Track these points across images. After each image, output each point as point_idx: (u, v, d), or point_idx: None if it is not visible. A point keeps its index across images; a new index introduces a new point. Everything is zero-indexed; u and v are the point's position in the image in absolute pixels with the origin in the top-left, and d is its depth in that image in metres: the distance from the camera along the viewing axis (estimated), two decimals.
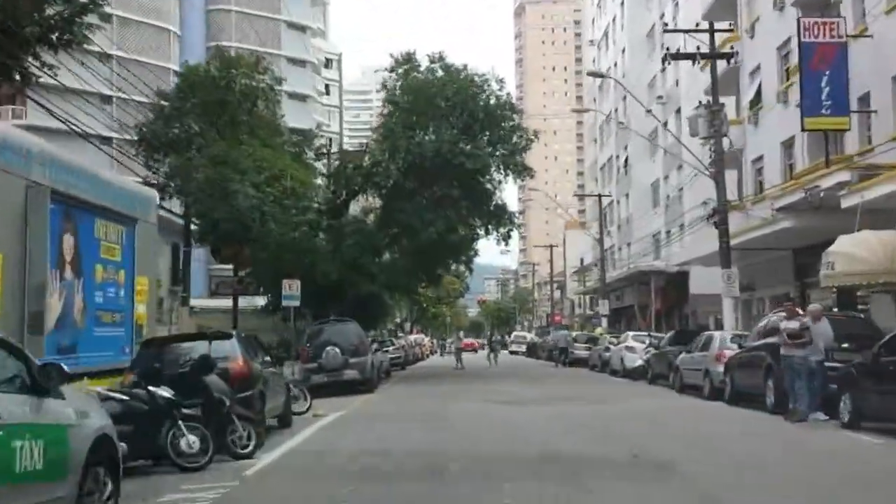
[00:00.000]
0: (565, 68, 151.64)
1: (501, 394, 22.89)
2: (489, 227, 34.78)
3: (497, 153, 33.01)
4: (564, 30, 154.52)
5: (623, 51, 55.40)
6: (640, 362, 29.46)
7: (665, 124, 51.10)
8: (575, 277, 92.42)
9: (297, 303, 28.79)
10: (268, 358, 14.68)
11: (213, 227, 29.44)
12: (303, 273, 30.25)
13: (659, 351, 27.05)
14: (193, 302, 54.48)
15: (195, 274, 43.80)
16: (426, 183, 32.96)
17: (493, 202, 35.33)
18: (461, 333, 48.42)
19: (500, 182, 35.24)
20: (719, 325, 41.72)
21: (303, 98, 73.42)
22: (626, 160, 57.13)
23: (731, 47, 32.46)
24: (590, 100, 73.47)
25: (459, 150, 30.00)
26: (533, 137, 33.34)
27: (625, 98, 57.83)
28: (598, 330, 49.68)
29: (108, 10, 24.63)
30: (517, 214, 35.63)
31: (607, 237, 62.73)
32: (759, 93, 34.63)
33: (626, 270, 54.04)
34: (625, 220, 57.31)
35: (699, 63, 31.92)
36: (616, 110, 59.99)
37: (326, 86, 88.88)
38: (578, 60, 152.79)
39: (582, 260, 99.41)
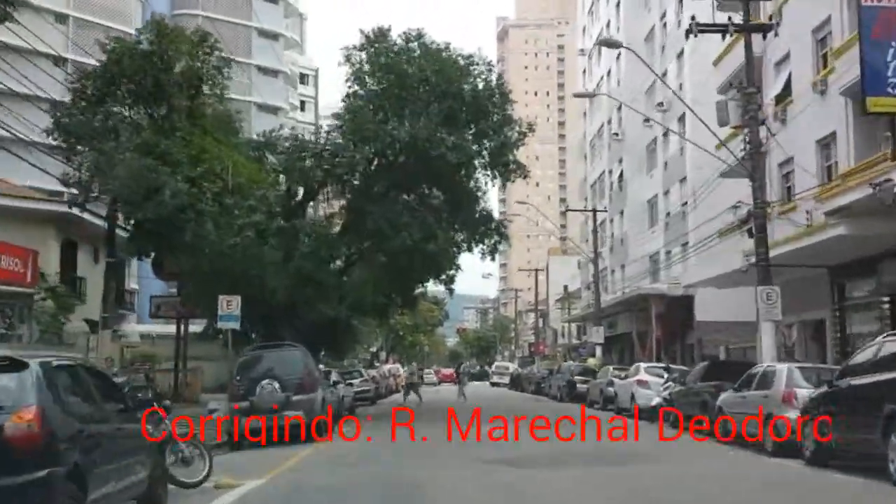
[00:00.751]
0: (548, 93, 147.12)
1: (495, 446, 17.09)
2: (474, 238, 29.05)
3: (484, 148, 27.37)
4: (547, 55, 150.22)
5: (618, 57, 50.19)
6: (657, 400, 23.73)
7: (666, 133, 45.88)
8: (558, 306, 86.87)
9: (235, 324, 22.91)
10: (121, 405, 8.68)
11: (136, 231, 23.57)
12: (250, 289, 24.41)
13: (686, 388, 21.31)
14: (141, 327, 48.42)
15: (149, 293, 37.72)
16: (400, 182, 27.32)
17: (479, 209, 29.71)
18: (415, 365, 42.83)
19: (487, 184, 29.68)
20: (733, 357, 36.25)
21: (274, 110, 67.79)
22: (621, 175, 51.74)
23: (771, 18, 26.95)
24: (578, 115, 68.25)
25: (440, 140, 24.33)
26: (527, 130, 27.79)
27: (619, 108, 52.56)
28: (592, 361, 43.93)
29: None
30: (505, 224, 29.90)
31: (601, 259, 57.18)
32: (787, 86, 29.27)
33: (620, 295, 48.40)
34: (618, 240, 51.82)
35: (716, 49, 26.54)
36: (609, 122, 54.70)
37: (302, 102, 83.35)
38: (561, 86, 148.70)
39: (566, 287, 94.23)
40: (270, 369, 17.64)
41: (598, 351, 44.54)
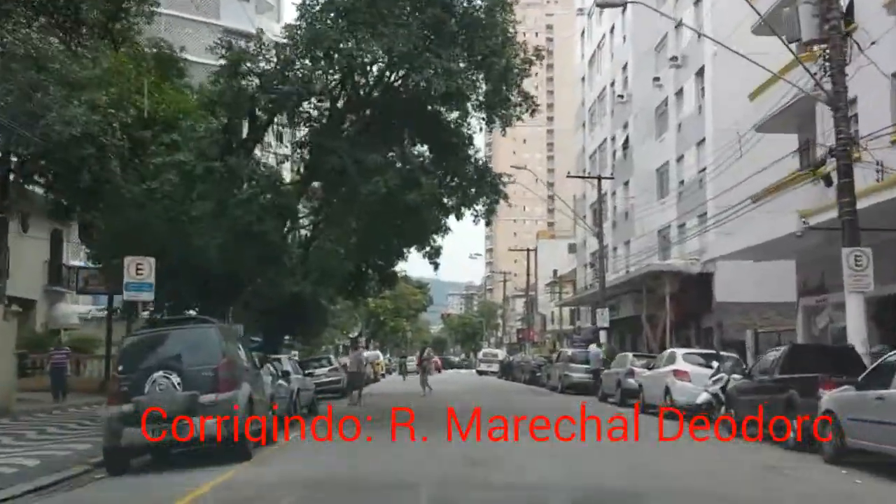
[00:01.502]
0: (536, 73, 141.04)
1: (498, 465, 11.19)
2: (465, 196, 23.02)
3: (479, 81, 21.33)
4: (536, 34, 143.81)
5: (624, 9, 44.25)
6: (705, 397, 17.88)
7: (680, 92, 40.05)
8: (548, 290, 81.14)
9: (148, 295, 16.87)
10: None
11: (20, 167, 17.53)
12: (184, 254, 18.41)
13: (756, 380, 15.46)
14: (84, 308, 42.17)
15: None
16: (371, 126, 21.30)
17: (472, 162, 23.70)
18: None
19: (481, 130, 23.69)
20: (764, 343, 30.55)
21: None
22: (626, 142, 45.82)
23: None
24: (574, 81, 62.28)
25: (424, 61, 18.25)
26: (534, 58, 21.80)
27: (624, 67, 46.67)
28: (599, 346, 38.03)
29: None
30: (503, 180, 23.92)
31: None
32: (849, 10, 23.51)
33: (626, 274, 42.61)
34: (622, 214, 45.94)
35: None
36: (612, 84, 48.77)
37: None
38: (550, 66, 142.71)
39: (555, 272, 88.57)
40: (169, 356, 11.60)
41: (603, 336, 38.71)
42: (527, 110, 22.27)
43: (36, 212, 27.52)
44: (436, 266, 32.26)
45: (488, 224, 25.79)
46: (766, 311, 33.82)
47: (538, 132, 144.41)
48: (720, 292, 35.12)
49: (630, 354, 25.46)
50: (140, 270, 16.65)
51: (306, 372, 23.21)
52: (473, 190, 23.58)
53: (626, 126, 46.13)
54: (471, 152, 23.12)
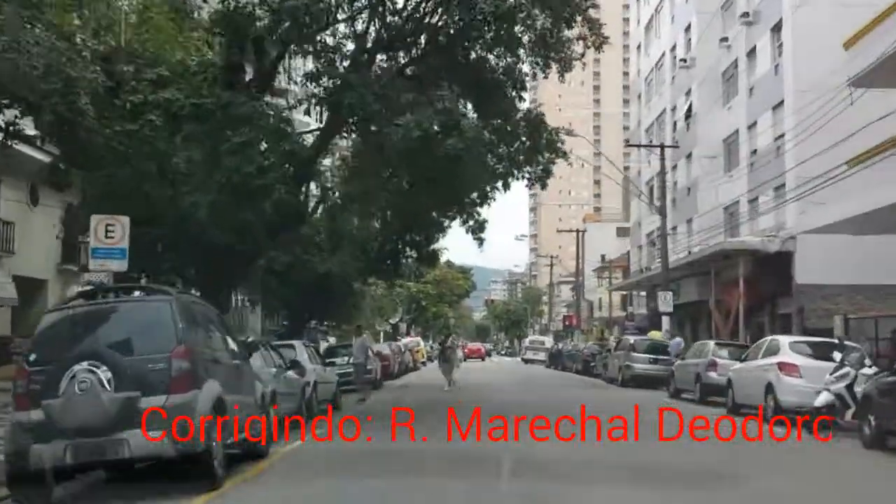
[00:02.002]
0: (582, 54, 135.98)
1: None
2: (516, 152, 19.12)
3: (534, 17, 17.37)
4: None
5: None
6: (825, 397, 13.82)
7: (753, 51, 35.58)
8: (595, 275, 76.76)
9: (120, 264, 13.25)
10: None
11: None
12: (174, 217, 14.80)
13: None
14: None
15: None
16: (401, 65, 17.51)
17: (524, 115, 19.80)
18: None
19: (534, 75, 19.75)
20: (856, 332, 26.19)
21: None
22: (689, 111, 41.36)
23: None
24: (618, 63, 57.79)
25: None
26: None
27: (687, 29, 42.23)
28: (656, 334, 33.94)
29: None
30: (562, 136, 19.99)
31: (656, 216, 47.04)
32: None
33: (688, 255, 38.32)
34: (683, 190, 41.52)
35: None
36: (673, 49, 44.32)
37: None
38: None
39: (603, 256, 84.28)
40: (99, 342, 7.93)
41: (666, 322, 34.48)
42: (593, 44, 18.23)
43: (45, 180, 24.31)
44: (480, 242, 28.41)
45: (544, 187, 21.89)
46: (858, 296, 29.45)
47: (583, 115, 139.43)
48: (802, 273, 30.76)
49: (711, 343, 21.33)
50: (111, 233, 13.02)
51: (328, 360, 19.51)
52: (526, 142, 19.66)
53: (688, 94, 41.70)
54: (522, 104, 19.21)
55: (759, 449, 12.94)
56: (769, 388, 15.57)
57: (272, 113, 13.95)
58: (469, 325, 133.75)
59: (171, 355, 8.00)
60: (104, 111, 13.63)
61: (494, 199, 24.44)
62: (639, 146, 44.42)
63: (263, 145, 14.15)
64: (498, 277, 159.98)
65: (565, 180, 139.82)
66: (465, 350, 69.99)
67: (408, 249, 29.65)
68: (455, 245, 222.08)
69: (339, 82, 14.86)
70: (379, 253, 28.90)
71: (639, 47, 51.73)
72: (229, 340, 9.94)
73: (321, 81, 15.35)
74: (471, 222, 27.92)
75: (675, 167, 42.57)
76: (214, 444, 8.26)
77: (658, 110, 46.13)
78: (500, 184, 20.79)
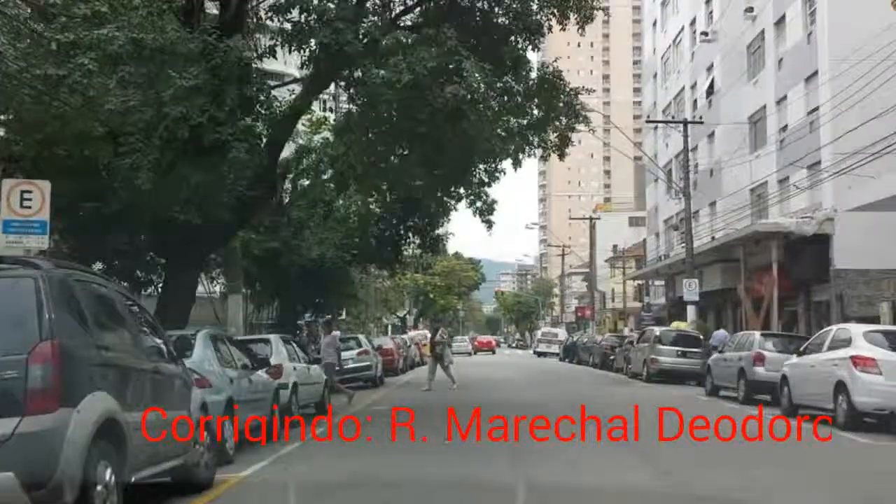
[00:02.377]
0: (591, 44, 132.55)
1: None
2: (530, 112, 16.31)
3: None
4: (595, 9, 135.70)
5: None
6: None
7: (782, 20, 32.62)
8: (607, 265, 73.82)
9: (38, 240, 10.53)
10: None
11: None
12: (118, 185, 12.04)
13: None
14: None
15: None
16: (395, 16, 14.69)
17: (536, 73, 16.98)
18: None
19: (548, 27, 16.86)
20: None
21: None
22: (711, 87, 38.40)
23: None
24: (628, 49, 54.81)
25: None
26: None
27: (708, 1, 39.27)
28: (680, 324, 31.04)
29: None
30: (581, 98, 17.16)
31: (675, 200, 44.14)
32: None
33: (713, 240, 35.43)
34: (705, 172, 38.56)
35: None
36: (692, 23, 41.36)
37: None
38: (606, 37, 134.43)
39: (615, 246, 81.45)
40: None
41: (692, 312, 31.55)
42: None
43: None
44: (489, 225, 25.64)
45: (562, 157, 19.06)
46: None
47: (593, 103, 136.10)
48: (841, 257, 27.86)
49: (756, 333, 18.42)
50: (27, 201, 10.30)
51: (317, 357, 16.76)
52: (540, 105, 16.83)
53: (710, 69, 38.74)
54: (536, 54, 16.37)
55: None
56: (840, 387, 12.75)
57: (230, 47, 11.07)
58: (479, 318, 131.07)
59: (29, 357, 5.24)
60: (27, 53, 10.90)
61: (504, 173, 21.56)
62: (660, 121, 41.18)
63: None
64: (507, 270, 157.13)
65: (574, 171, 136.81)
66: (476, 343, 67.18)
67: (410, 235, 26.96)
68: (463, 239, 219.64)
69: (312, 15, 12.03)
70: (379, 238, 26.21)
71: (654, 24, 48.72)
72: (148, 335, 7.18)
73: (290, 15, 12.49)
74: (478, 203, 25.15)
75: (695, 148, 39.58)
76: (100, 487, 5.50)
77: (676, 89, 43.17)
78: (510, 155, 17.98)
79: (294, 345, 14.70)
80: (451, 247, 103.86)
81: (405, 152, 15.71)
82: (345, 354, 22.45)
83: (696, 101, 40.57)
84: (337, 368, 18.12)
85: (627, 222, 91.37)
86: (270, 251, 22.30)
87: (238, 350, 11.12)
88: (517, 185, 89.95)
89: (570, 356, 44.40)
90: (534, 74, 16.71)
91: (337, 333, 21.26)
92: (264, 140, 12.88)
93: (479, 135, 13.71)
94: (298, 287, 23.31)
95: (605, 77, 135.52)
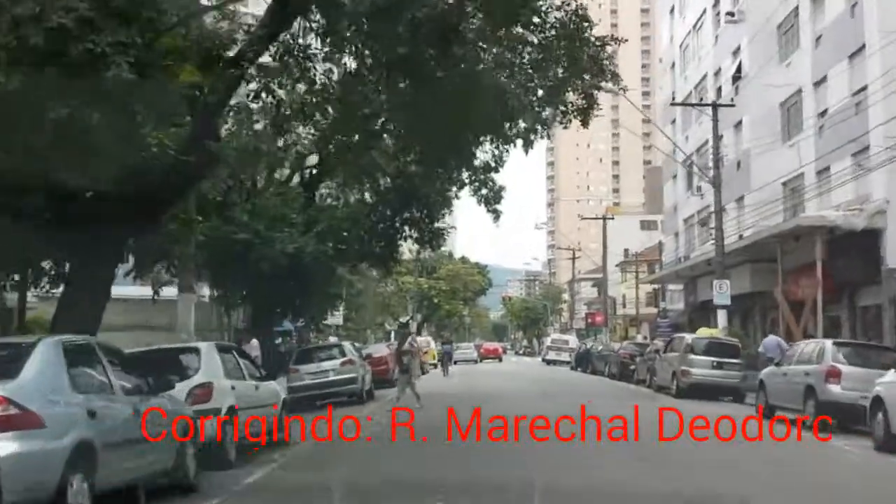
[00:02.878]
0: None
1: None
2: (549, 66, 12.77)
3: None
4: (599, 6, 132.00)
5: None
6: None
7: None
8: (618, 270, 70.20)
9: None
10: None
11: None
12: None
13: None
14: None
15: None
16: None
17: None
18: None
19: None
20: None
21: None
22: (739, 70, 34.79)
23: None
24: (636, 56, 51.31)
25: None
26: None
27: None
28: (712, 331, 27.19)
29: None
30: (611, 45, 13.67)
31: (697, 197, 40.48)
32: None
33: (740, 239, 31.79)
34: (732, 164, 34.87)
35: None
36: (715, 3, 37.78)
37: None
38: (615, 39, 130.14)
39: (626, 251, 77.86)
40: None
41: (722, 318, 27.74)
42: None
43: None
44: (496, 215, 22.22)
45: (585, 124, 15.53)
46: None
47: (602, 106, 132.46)
48: (895, 255, 24.24)
49: (828, 343, 14.57)
50: None
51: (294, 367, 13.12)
52: (559, 69, 13.29)
53: (736, 53, 35.12)
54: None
55: None
56: None
57: None
58: (485, 324, 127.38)
59: None
60: None
61: (514, 146, 17.98)
62: (685, 104, 37.07)
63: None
64: (514, 277, 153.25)
65: (583, 175, 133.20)
66: (482, 350, 63.42)
67: (407, 229, 23.47)
68: (470, 245, 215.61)
69: None
70: (371, 232, 22.72)
71: (672, 11, 45.12)
72: None
73: None
74: (484, 191, 21.66)
75: (721, 137, 35.89)
76: None
77: (697, 77, 39.55)
78: (527, 121, 14.46)
79: (236, 354, 11.09)
80: (457, 251, 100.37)
81: (388, 108, 12.09)
82: (325, 365, 18.94)
83: (720, 88, 36.94)
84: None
85: (639, 226, 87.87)
86: (241, 244, 18.86)
87: (130, 365, 7.55)
88: (524, 189, 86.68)
89: (583, 365, 40.69)
90: (552, 18, 13.11)
91: (255, 344, 17.89)
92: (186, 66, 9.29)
93: (479, 76, 10.10)
94: (274, 287, 19.77)
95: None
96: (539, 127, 16.69)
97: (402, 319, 63.43)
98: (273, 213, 19.64)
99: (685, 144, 40.62)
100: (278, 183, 20.75)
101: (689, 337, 22.94)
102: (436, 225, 23.36)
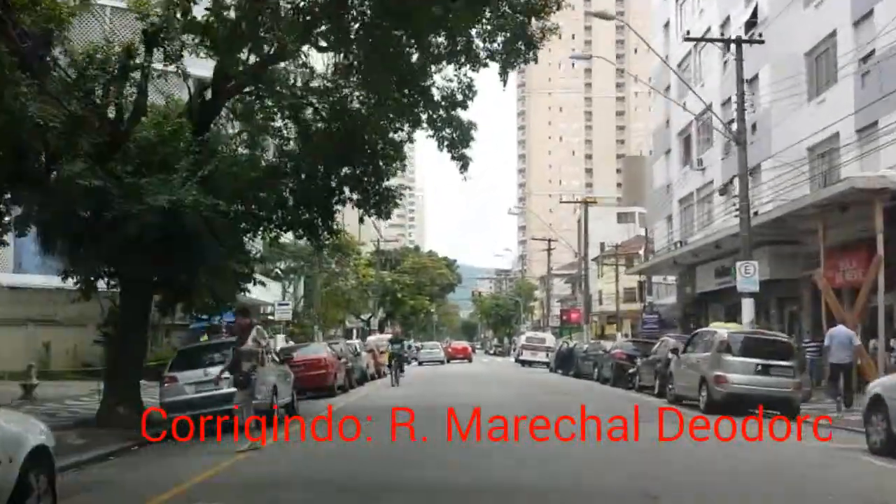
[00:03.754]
0: (573, 36, 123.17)
1: None
2: None
3: None
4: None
5: None
6: None
7: None
8: (595, 265, 64.54)
9: None
10: None
11: None
12: None
13: None
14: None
15: None
16: None
17: None
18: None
19: None
20: None
21: None
22: (754, 15, 28.98)
23: None
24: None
25: None
26: None
27: None
28: (728, 326, 21.23)
29: None
30: None
31: (697, 171, 34.69)
32: None
33: (758, 215, 25.97)
34: (749, 126, 29.08)
35: None
36: None
37: None
38: (588, 29, 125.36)
39: (602, 245, 72.43)
40: None
41: (749, 307, 21.71)
42: None
43: None
44: (464, 165, 16.15)
45: (535, 58, 9.57)
46: None
47: (574, 99, 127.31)
48: None
49: None
50: None
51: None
52: None
53: None
54: None
55: None
56: None
57: None
58: (455, 322, 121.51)
59: None
60: None
61: (486, 66, 12.20)
62: (701, 40, 30.42)
63: None
64: (486, 276, 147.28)
65: (556, 168, 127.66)
66: (449, 349, 57.21)
67: (346, 190, 17.37)
68: (437, 243, 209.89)
69: None
70: (300, 193, 16.59)
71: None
72: None
73: None
74: (447, 131, 15.65)
75: (728, 100, 30.07)
76: None
77: (699, 33, 33.60)
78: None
79: None
80: (426, 247, 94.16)
81: None
82: (212, 371, 12.70)
83: (732, 36, 31.02)
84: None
85: (616, 219, 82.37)
86: (94, 193, 12.70)
87: None
88: (495, 181, 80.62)
89: (564, 367, 34.63)
90: None
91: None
92: None
93: None
94: (147, 261, 13.51)
95: (588, 71, 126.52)
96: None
97: (364, 316, 56.99)
98: (145, 147, 13.53)
99: (681, 116, 34.81)
100: (156, 109, 14.57)
101: (722, 332, 16.99)
102: (384, 184, 17.24)
